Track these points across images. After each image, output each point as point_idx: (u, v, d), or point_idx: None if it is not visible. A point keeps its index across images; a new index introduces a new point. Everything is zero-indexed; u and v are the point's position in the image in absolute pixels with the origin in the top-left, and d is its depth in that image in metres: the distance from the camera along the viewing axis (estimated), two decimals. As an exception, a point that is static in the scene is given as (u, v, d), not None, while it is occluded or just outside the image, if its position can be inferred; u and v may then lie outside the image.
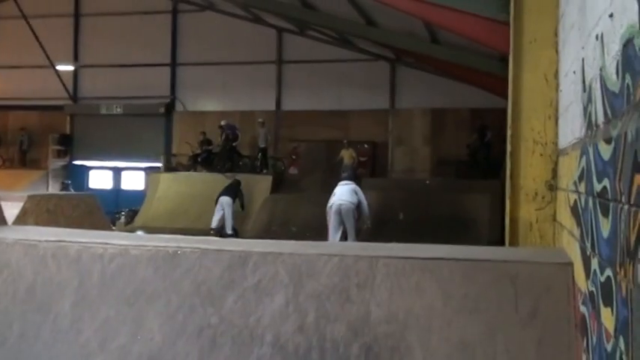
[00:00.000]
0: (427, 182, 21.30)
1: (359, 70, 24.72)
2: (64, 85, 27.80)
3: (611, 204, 2.41)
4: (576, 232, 3.47)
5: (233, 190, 18.80)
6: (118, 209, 23.54)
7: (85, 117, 28.44)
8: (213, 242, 4.32)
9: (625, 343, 2.15)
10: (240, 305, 3.81)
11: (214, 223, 18.04)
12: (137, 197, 24.33)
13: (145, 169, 26.88)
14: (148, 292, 3.99)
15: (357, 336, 3.58)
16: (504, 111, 5.68)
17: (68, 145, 28.82)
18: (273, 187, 21.81)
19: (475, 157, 21.71)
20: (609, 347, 2.43)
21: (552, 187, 5.03)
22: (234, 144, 22.99)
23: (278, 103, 26.11)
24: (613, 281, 2.36)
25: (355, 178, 13.34)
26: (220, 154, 23.21)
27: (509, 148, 5.34)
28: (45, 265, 4.22)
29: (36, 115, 28.83)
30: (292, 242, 4.64)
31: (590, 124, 3.14)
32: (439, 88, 23.23)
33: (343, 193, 12.77)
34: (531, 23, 5.21)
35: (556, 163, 4.99)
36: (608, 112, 2.63)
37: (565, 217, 4.16)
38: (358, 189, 12.87)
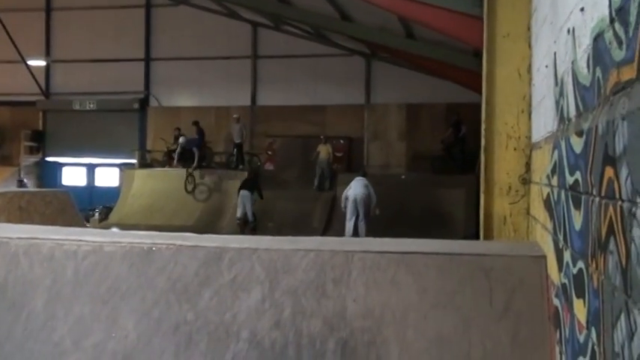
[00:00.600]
0: (403, 177, 21.40)
1: (334, 65, 24.72)
2: (36, 80, 27.43)
3: (583, 197, 2.44)
4: (549, 225, 3.51)
5: (250, 183, 19.77)
6: (92, 206, 23.31)
7: (58, 113, 28.08)
8: (189, 238, 4.29)
9: (597, 334, 2.18)
10: (216, 301, 3.80)
11: (239, 214, 19.48)
12: (111, 194, 24.11)
13: (119, 166, 26.64)
14: (123, 289, 3.95)
15: (333, 331, 3.59)
16: (479, 106, 5.72)
17: (41, 142, 28.47)
18: (249, 183, 21.74)
19: (450, 151, 21.84)
20: (582, 338, 2.46)
21: (526, 181, 5.08)
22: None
23: (253, 99, 26.03)
24: (585, 273, 2.39)
25: (366, 175, 16.48)
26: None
27: (483, 142, 5.38)
28: (17, 262, 4.16)
29: (7, 111, 28.44)
30: (268, 238, 4.63)
31: (562, 118, 3.17)
32: (414, 83, 23.32)
33: (358, 186, 15.60)
34: (504, 18, 5.25)
35: (529, 157, 5.04)
36: (580, 105, 2.66)
37: (538, 211, 4.20)
38: (369, 183, 15.68)
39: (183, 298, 3.84)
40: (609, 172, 1.98)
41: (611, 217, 1.96)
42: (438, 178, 20.24)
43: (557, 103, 3.37)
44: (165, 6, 26.50)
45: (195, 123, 23.13)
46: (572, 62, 2.81)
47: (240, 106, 25.26)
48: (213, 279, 3.87)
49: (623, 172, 1.81)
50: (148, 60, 27.12)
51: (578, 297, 2.55)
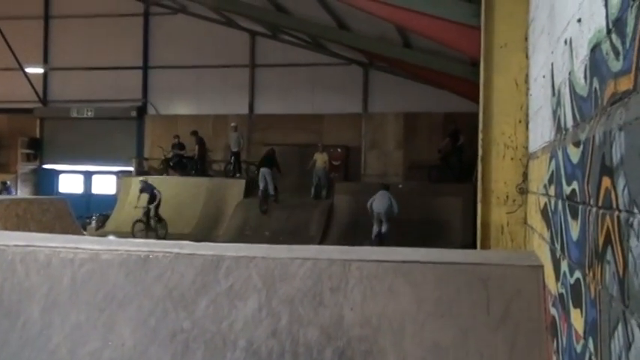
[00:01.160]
0: (400, 186, 21.38)
1: (332, 74, 24.76)
2: (33, 88, 27.41)
3: (580, 207, 2.44)
4: (546, 234, 3.51)
5: (269, 160, 20.87)
6: (89, 214, 23.26)
7: (55, 120, 28.06)
8: (186, 246, 4.28)
9: (594, 343, 2.18)
10: (212, 310, 3.79)
11: (261, 188, 20.63)
12: (108, 202, 24.07)
13: (116, 173, 26.61)
14: (120, 297, 3.94)
15: (330, 340, 3.58)
16: (476, 115, 5.73)
17: (38, 149, 28.42)
18: (246, 192, 21.73)
19: (447, 161, 21.85)
20: (579, 348, 2.46)
21: (523, 190, 5.09)
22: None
23: (251, 107, 26.04)
24: (582, 283, 2.39)
25: (388, 188, 18.58)
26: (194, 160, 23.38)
27: (480, 152, 5.39)
28: (13, 270, 4.15)
29: (5, 119, 28.39)
30: (265, 246, 4.63)
31: (559, 128, 3.18)
32: (412, 93, 23.36)
33: (381, 200, 17.90)
34: (502, 28, 5.28)
35: (526, 167, 5.05)
36: (577, 115, 2.67)
37: (535, 220, 4.21)
38: (391, 195, 18.04)
39: (179, 306, 3.84)
40: (606, 182, 1.99)
41: (608, 227, 1.96)
42: (436, 188, 20.23)
43: (554, 113, 3.38)
44: (164, 14, 26.55)
45: (194, 133, 23.15)
46: (570, 73, 2.82)
47: (237, 115, 25.28)
48: (210, 287, 3.86)
49: (620, 183, 1.82)
50: (145, 68, 27.13)
51: (575, 307, 2.55)
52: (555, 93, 3.32)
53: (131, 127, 27.14)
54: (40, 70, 27.61)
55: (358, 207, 19.57)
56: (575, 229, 2.57)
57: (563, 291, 2.84)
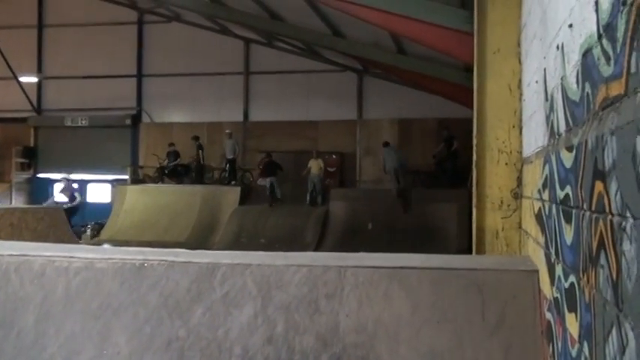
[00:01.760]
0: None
1: (326, 80, 24.82)
2: (27, 97, 27.38)
3: (574, 211, 2.45)
4: (541, 239, 3.52)
5: (272, 167, 21.79)
6: (83, 222, 23.20)
7: (50, 129, 28.03)
8: (181, 254, 4.28)
9: (589, 348, 2.18)
10: (208, 317, 3.78)
11: (268, 192, 21.53)
12: (103, 210, 24.00)
13: (111, 182, 26.55)
14: (114, 305, 3.93)
15: (326, 347, 3.58)
16: (470, 121, 5.75)
17: (32, 158, 28.36)
18: (242, 199, 21.72)
19: (442, 166, 21.89)
20: (574, 352, 2.46)
21: (517, 195, 5.10)
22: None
23: (246, 114, 26.06)
24: (577, 287, 2.40)
25: (389, 144, 20.88)
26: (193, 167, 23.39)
27: (474, 157, 5.40)
28: (7, 279, 4.14)
29: (-1, 128, 28.37)
30: (261, 253, 4.62)
31: (552, 133, 3.20)
32: (406, 99, 23.43)
33: (390, 153, 19.91)
34: (495, 34, 5.30)
35: (521, 172, 5.06)
36: (570, 120, 2.68)
37: (530, 225, 4.22)
38: (396, 149, 20.58)
39: (175, 314, 3.83)
40: (599, 186, 2.00)
41: (601, 232, 1.97)
42: (430, 193, 20.26)
43: (547, 118, 3.39)
44: (158, 23, 26.58)
45: (196, 138, 23.12)
46: (562, 78, 2.84)
47: (232, 122, 25.30)
48: (205, 295, 3.85)
49: (613, 187, 1.82)
50: (140, 76, 27.14)
51: (570, 311, 2.55)
52: (548, 98, 3.33)
53: (126, 135, 27.13)
54: (34, 79, 27.59)
55: (354, 213, 19.60)
56: (569, 234, 2.57)
57: (558, 295, 2.84)
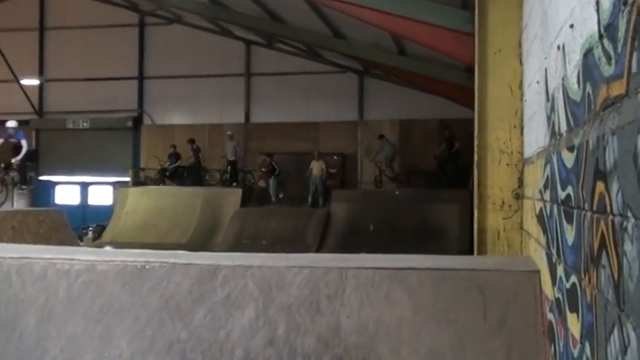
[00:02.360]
0: (396, 193, 21.40)
1: (327, 82, 24.81)
2: (29, 99, 27.39)
3: (575, 211, 2.44)
4: (542, 239, 3.51)
5: (273, 169, 22.62)
6: (85, 225, 23.20)
7: (51, 132, 28.03)
8: (182, 256, 4.28)
9: (591, 348, 2.18)
10: (209, 319, 3.78)
11: (272, 197, 22.63)
12: (105, 212, 24.01)
13: (112, 184, 26.56)
14: (116, 307, 3.93)
15: (327, 348, 3.57)
16: (472, 121, 5.74)
17: (34, 161, 28.35)
18: (243, 201, 21.72)
19: (444, 167, 21.89)
20: (576, 353, 2.46)
21: (518, 195, 5.09)
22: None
23: (247, 116, 26.06)
24: (578, 287, 2.39)
25: (383, 136, 22.56)
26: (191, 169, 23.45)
27: (476, 157, 5.40)
28: (9, 282, 4.14)
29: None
30: (262, 255, 4.61)
31: (553, 133, 3.19)
32: (407, 100, 23.43)
33: (387, 144, 22.20)
34: (496, 35, 5.29)
35: (522, 172, 5.06)
36: (571, 120, 2.68)
37: (531, 226, 4.21)
38: (390, 140, 22.52)
39: (176, 316, 3.82)
40: (600, 186, 1.99)
41: (602, 232, 1.97)
42: (432, 194, 20.24)
43: (548, 118, 3.39)
44: (159, 25, 26.59)
45: (191, 141, 23.17)
46: (563, 78, 2.83)
47: (233, 124, 25.30)
48: (206, 297, 3.85)
49: (614, 187, 1.82)
50: (141, 78, 27.15)
51: (571, 311, 2.55)
52: (549, 98, 3.33)
53: (127, 137, 27.14)
54: (36, 82, 27.60)
55: (355, 214, 19.57)
56: (570, 234, 2.57)
57: (560, 296, 2.84)
